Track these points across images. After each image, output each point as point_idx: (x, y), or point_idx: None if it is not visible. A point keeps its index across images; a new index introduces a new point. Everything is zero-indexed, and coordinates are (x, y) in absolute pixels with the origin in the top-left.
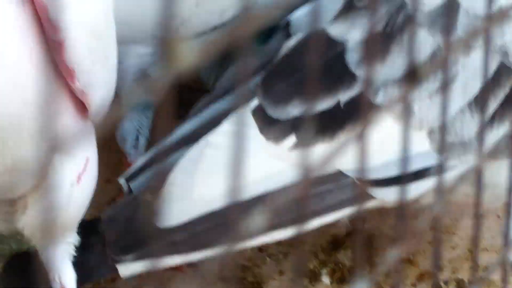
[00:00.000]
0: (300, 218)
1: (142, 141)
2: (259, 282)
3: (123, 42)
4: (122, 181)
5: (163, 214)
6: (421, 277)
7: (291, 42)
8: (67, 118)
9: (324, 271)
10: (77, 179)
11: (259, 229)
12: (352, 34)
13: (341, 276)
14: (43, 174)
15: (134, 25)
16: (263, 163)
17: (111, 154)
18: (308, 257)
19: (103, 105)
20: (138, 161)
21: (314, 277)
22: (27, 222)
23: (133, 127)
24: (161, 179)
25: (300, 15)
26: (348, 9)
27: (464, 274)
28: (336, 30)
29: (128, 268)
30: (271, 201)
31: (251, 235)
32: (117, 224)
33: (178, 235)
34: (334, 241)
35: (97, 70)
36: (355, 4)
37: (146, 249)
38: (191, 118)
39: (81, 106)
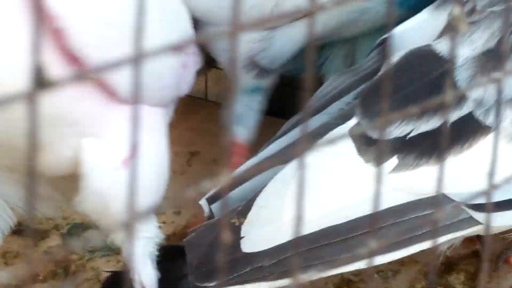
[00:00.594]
0: (405, 242)
1: (253, 122)
2: None
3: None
4: (203, 202)
5: (249, 239)
6: None
7: (394, 59)
8: (91, 103)
9: None
10: (122, 164)
11: (367, 253)
12: (460, 50)
13: None
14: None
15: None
16: (361, 185)
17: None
18: (417, 277)
19: (149, 87)
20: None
21: None
22: (83, 203)
23: (245, 107)
24: (248, 201)
25: (400, 31)
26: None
27: None
28: (443, 47)
29: None
30: (372, 224)
31: (357, 259)
32: (200, 249)
33: (265, 261)
34: (447, 263)
35: (115, 55)
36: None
37: (230, 275)
38: (279, 137)
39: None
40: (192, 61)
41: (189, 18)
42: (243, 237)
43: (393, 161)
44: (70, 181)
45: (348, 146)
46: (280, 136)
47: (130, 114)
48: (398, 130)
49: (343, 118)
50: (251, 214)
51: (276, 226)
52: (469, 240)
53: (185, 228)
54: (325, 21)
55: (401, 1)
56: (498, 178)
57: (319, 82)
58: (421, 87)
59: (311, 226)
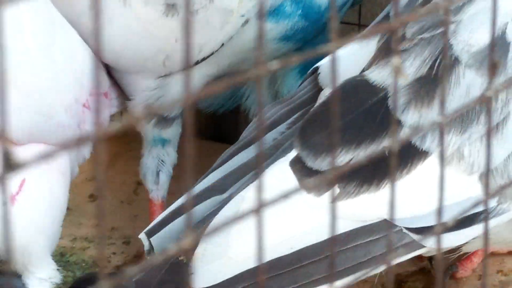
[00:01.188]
0: (351, 271)
1: (164, 177)
2: None
3: (130, 73)
4: (142, 236)
5: (199, 275)
6: None
7: (327, 90)
8: None
9: None
10: (11, 200)
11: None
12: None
13: None
14: None
15: (138, 60)
16: (304, 216)
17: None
18: None
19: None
20: (159, 216)
21: None
22: None
23: (154, 163)
24: (193, 238)
25: (327, 61)
26: (385, 54)
27: None
28: (376, 76)
29: None
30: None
31: None
32: (149, 287)
33: None
34: (396, 280)
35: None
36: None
37: None
38: (215, 169)
39: None
40: (100, 102)
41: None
42: (192, 273)
43: (335, 190)
44: None
45: (288, 178)
46: (215, 169)
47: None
48: (338, 159)
49: (277, 148)
50: (198, 251)
51: (223, 262)
52: (416, 257)
53: (135, 258)
54: (218, 62)
55: (284, 37)
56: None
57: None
58: (357, 116)
59: (253, 261)
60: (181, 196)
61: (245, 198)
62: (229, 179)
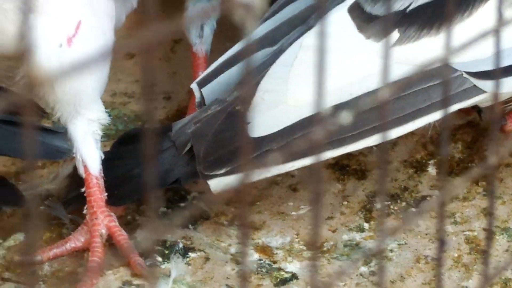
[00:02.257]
0: (412, 115)
1: (208, 30)
2: (363, 170)
3: None
4: (194, 86)
5: (255, 124)
6: None
7: None
8: None
9: (431, 162)
10: (67, 41)
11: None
12: None
13: (448, 168)
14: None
15: None
16: (365, 62)
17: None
18: (416, 147)
19: None
20: (211, 66)
21: (421, 167)
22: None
23: (199, 14)
24: (251, 86)
25: None
26: None
27: None
28: None
29: (219, 183)
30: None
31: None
32: (206, 137)
33: (273, 144)
34: None
35: None
36: None
37: (239, 161)
38: (268, 18)
39: None
40: None
41: None
42: (249, 122)
43: (395, 35)
44: (15, 59)
45: (348, 25)
46: (269, 17)
47: None
48: (397, 4)
49: None
50: (256, 99)
51: (282, 109)
52: (463, 110)
53: (177, 112)
54: None
55: None
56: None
57: None
58: None
59: (313, 108)
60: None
61: (303, 45)
62: (280, 30)
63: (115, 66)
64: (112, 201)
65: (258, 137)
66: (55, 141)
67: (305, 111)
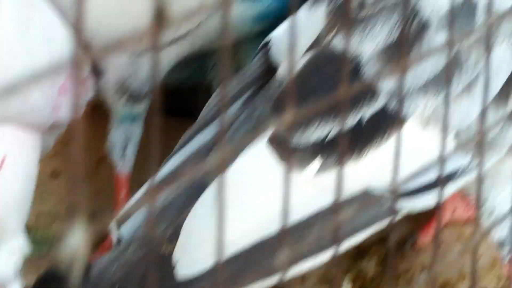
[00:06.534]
0: (334, 243)
1: (131, 151)
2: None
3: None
4: (112, 226)
5: (183, 264)
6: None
7: (299, 64)
8: None
9: (346, 278)
10: None
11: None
12: (362, 47)
13: (362, 284)
14: None
15: (113, 38)
16: (288, 194)
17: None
18: (331, 263)
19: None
20: (128, 204)
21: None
22: None
23: (122, 136)
24: (175, 227)
25: (278, 34)
26: (345, 22)
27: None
28: (339, 45)
29: None
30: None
31: (280, 269)
32: (131, 283)
33: (202, 284)
34: (359, 249)
35: None
36: (352, 15)
37: None
38: (177, 152)
39: None
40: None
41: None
42: (176, 264)
43: (316, 163)
44: None
45: (268, 157)
46: (176, 152)
47: None
48: (316, 133)
49: (236, 128)
50: (181, 240)
51: (208, 247)
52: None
53: (100, 236)
54: (192, 41)
55: (258, 16)
56: (417, 164)
57: (209, 89)
58: (332, 88)
59: (238, 244)
60: (146, 174)
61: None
62: (190, 163)
63: (39, 186)
64: None
65: (187, 280)
66: None
67: (232, 247)
